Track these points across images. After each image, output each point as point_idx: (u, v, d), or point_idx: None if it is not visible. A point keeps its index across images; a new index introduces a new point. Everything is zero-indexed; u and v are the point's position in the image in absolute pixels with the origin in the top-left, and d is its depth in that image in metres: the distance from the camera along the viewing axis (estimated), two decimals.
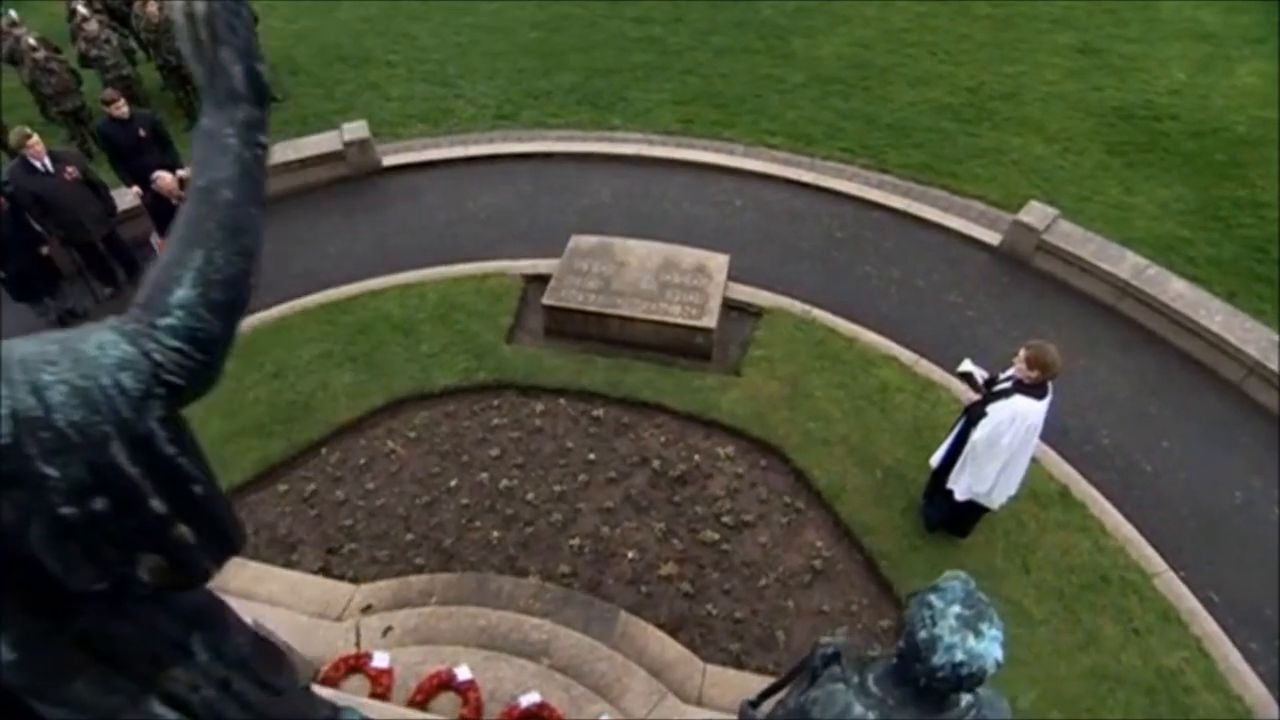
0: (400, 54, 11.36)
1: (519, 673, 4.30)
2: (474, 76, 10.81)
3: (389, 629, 4.64)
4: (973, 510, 5.18)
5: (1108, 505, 5.78)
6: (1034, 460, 5.96)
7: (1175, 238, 7.98)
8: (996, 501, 5.03)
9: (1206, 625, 5.14)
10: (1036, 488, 5.80)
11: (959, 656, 1.83)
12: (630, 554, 5.42)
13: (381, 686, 4.20)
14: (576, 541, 5.48)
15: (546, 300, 6.80)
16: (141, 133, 7.12)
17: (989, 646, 1.84)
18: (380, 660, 4.30)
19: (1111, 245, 7.43)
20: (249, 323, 7.05)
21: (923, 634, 1.88)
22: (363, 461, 6.02)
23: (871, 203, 8.45)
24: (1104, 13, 12.06)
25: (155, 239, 7.09)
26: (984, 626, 1.85)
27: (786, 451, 6.00)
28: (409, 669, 4.29)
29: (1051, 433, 6.21)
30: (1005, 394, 4.63)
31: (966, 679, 1.86)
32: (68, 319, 7.27)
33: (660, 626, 5.00)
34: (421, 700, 4.14)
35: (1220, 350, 6.62)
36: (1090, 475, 5.99)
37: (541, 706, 4.10)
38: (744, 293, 7.32)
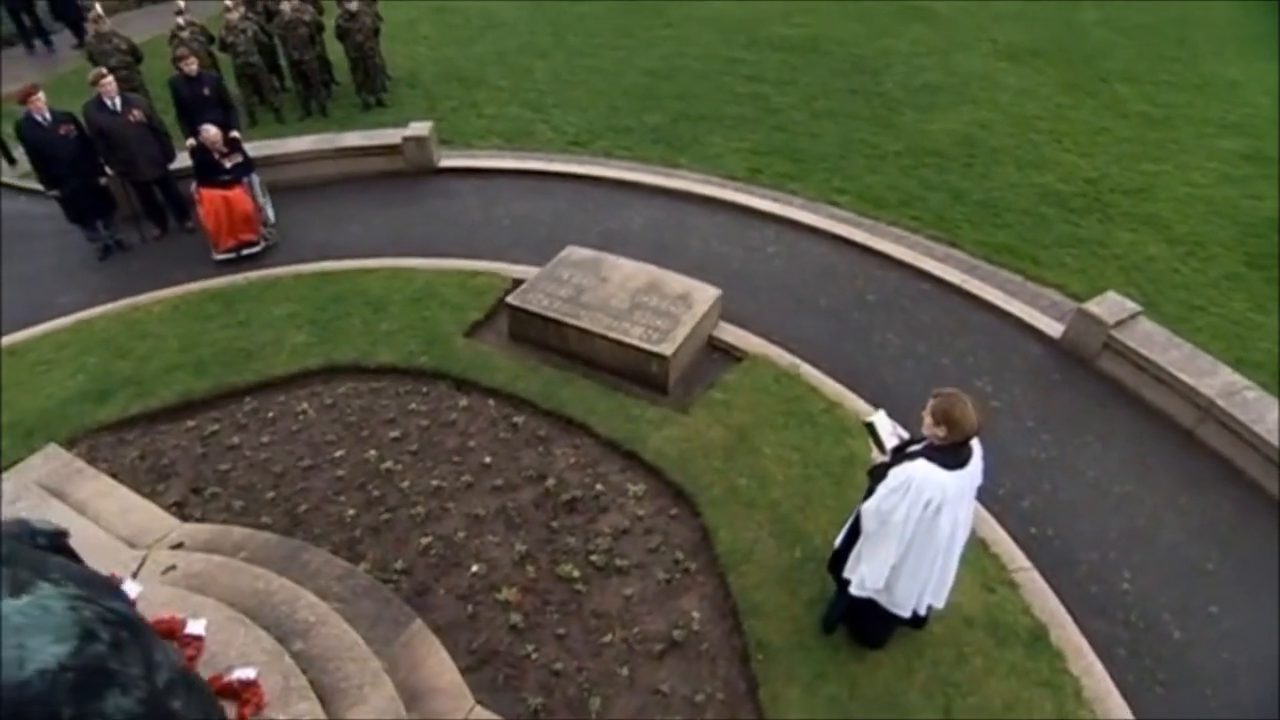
0: (510, 82, 11.84)
1: (253, 645, 3.73)
2: (568, 107, 10.99)
3: (171, 568, 4.27)
4: (876, 613, 4.01)
5: (1097, 664, 4.31)
6: (1012, 585, 4.70)
7: None
8: (901, 605, 3.86)
9: None
10: (1001, 617, 4.47)
11: None
12: (475, 568, 4.72)
13: None
14: (427, 541, 4.87)
15: (510, 300, 6.43)
16: (205, 91, 7.73)
17: None
18: (126, 591, 3.92)
19: (1203, 356, 5.90)
20: (247, 275, 7.30)
21: None
22: (271, 415, 5.82)
23: (922, 272, 7.40)
24: None
25: (194, 187, 7.56)
26: None
27: (700, 504, 5.09)
28: (152, 607, 3.86)
29: (1053, 559, 4.93)
30: (911, 457, 3.57)
31: None
32: (114, 249, 7.90)
33: (469, 653, 4.27)
34: None
35: None
36: (1087, 623, 4.54)
37: (247, 685, 3.51)
38: (734, 335, 6.55)
